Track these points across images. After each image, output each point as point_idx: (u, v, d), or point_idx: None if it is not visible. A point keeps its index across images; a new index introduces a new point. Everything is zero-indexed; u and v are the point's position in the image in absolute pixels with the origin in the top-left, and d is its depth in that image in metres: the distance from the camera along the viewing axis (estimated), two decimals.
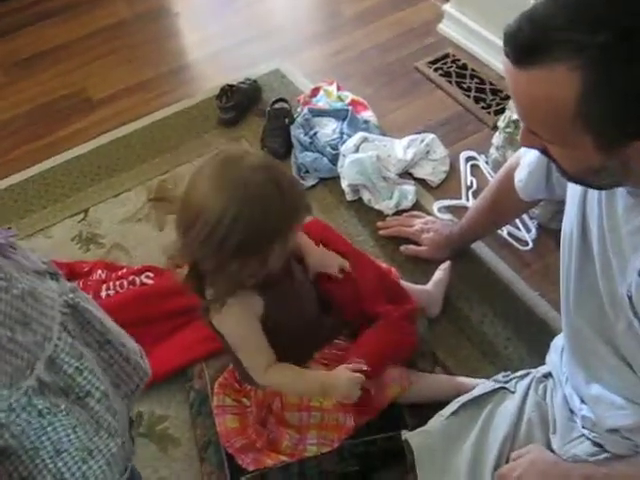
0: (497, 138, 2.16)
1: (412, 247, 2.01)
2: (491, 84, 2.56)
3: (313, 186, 2.26)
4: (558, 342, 1.51)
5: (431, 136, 2.31)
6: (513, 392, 1.48)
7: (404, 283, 1.79)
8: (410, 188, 2.19)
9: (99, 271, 2.03)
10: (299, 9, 3.17)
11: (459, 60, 2.68)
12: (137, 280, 2.00)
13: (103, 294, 1.94)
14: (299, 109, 2.44)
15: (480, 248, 2.03)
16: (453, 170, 2.28)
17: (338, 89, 2.54)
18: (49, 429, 0.92)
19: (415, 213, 2.12)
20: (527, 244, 2.05)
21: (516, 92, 0.97)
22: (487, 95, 2.53)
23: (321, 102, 2.48)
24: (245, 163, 1.23)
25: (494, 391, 1.49)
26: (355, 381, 1.42)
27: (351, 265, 1.64)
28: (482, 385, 1.53)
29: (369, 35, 2.86)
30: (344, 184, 2.20)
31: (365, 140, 2.25)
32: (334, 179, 2.25)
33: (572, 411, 1.39)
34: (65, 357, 0.92)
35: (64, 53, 2.90)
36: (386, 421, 1.57)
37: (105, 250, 2.15)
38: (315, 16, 3.12)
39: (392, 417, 1.58)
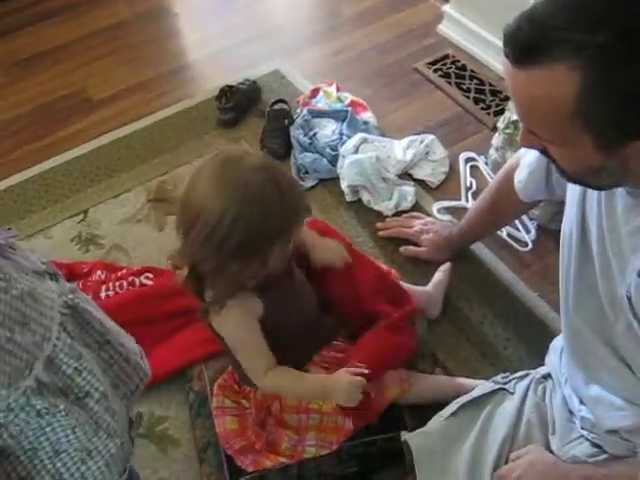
0: (496, 139, 2.16)
1: (412, 248, 2.01)
2: (491, 85, 2.56)
3: (312, 187, 2.26)
4: (557, 343, 1.51)
5: (430, 137, 2.31)
6: (512, 393, 1.48)
7: (404, 284, 1.79)
8: (409, 189, 2.19)
9: (98, 272, 2.02)
10: (299, 9, 3.18)
11: (459, 61, 2.68)
12: (136, 281, 2.00)
13: (102, 295, 1.94)
14: (298, 110, 2.45)
15: (480, 249, 2.03)
16: (452, 171, 2.28)
17: (337, 90, 2.54)
18: (48, 429, 0.92)
19: (414, 214, 2.12)
20: (527, 245, 2.05)
21: (515, 92, 0.97)
22: (487, 96, 2.53)
23: (320, 103, 2.48)
24: (245, 164, 1.23)
25: (493, 392, 1.49)
26: (356, 385, 1.41)
27: (351, 264, 1.64)
28: (481, 386, 1.53)
29: (369, 36, 2.86)
30: (343, 185, 2.20)
31: (364, 141, 2.25)
32: (333, 180, 2.25)
33: (571, 412, 1.39)
34: (64, 357, 0.92)
35: (64, 53, 2.90)
36: (385, 422, 1.56)
37: (105, 251, 2.15)
38: (315, 16, 3.12)
39: (391, 418, 1.57)
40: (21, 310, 0.87)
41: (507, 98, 2.37)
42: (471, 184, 2.23)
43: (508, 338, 1.83)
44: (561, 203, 1.32)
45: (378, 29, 2.89)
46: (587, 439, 1.34)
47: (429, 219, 2.07)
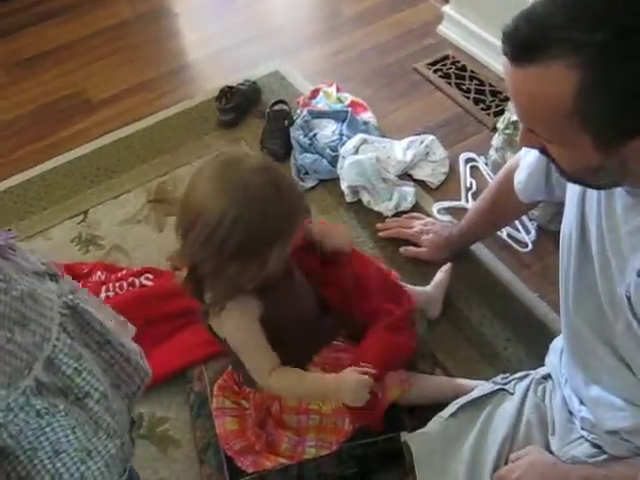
0: (496, 140, 2.16)
1: (411, 248, 2.01)
2: (490, 86, 2.56)
3: (312, 187, 2.26)
4: (557, 343, 1.51)
5: (430, 137, 2.31)
6: (512, 394, 1.48)
7: (404, 285, 1.79)
8: (409, 189, 2.19)
9: (98, 272, 2.03)
10: (298, 10, 3.18)
11: (458, 62, 2.68)
12: (136, 282, 2.00)
13: (102, 296, 1.94)
14: (298, 111, 2.45)
15: (479, 249, 2.03)
16: (452, 171, 2.28)
17: (337, 90, 2.54)
18: (47, 429, 0.92)
19: (414, 214, 2.12)
20: (526, 246, 2.05)
21: (514, 90, 0.97)
22: (486, 97, 2.53)
23: (320, 104, 2.48)
24: (245, 165, 1.23)
25: (493, 393, 1.49)
26: (363, 384, 1.41)
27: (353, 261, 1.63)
28: (481, 387, 1.53)
29: (369, 36, 2.87)
30: (343, 185, 2.20)
31: (364, 142, 2.25)
32: (333, 181, 2.25)
33: (571, 412, 1.39)
34: (64, 358, 0.93)
35: (66, 53, 2.91)
36: (385, 423, 1.56)
37: (104, 252, 2.15)
38: (314, 17, 3.12)
39: (391, 419, 1.57)
40: (21, 311, 0.87)
41: (507, 99, 2.37)
42: (471, 185, 2.23)
43: (508, 338, 1.84)
44: (561, 204, 1.32)
45: (378, 29, 2.89)
46: (587, 440, 1.34)
47: (429, 220, 2.07)
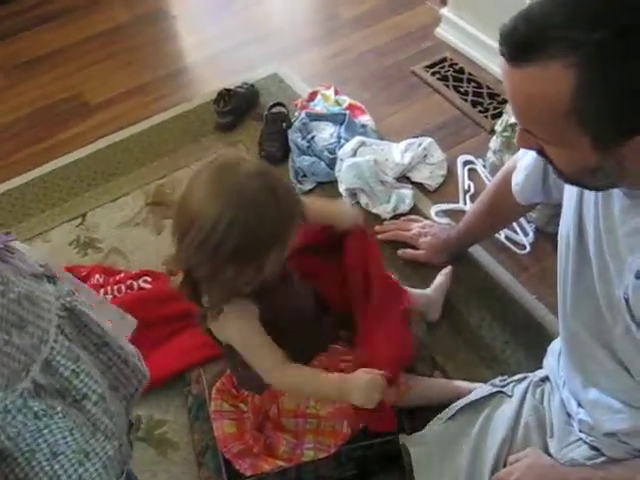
0: (494, 142, 2.16)
1: (410, 251, 2.01)
2: (488, 88, 2.56)
3: (310, 190, 2.26)
4: (555, 346, 1.51)
5: (428, 140, 2.31)
6: (510, 396, 1.48)
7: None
8: (408, 192, 2.19)
9: (97, 275, 2.02)
10: (296, 13, 3.18)
11: (456, 64, 2.69)
12: (135, 284, 2.00)
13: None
14: (297, 113, 2.45)
15: (478, 252, 2.03)
16: (450, 174, 2.28)
17: (336, 93, 2.54)
18: (45, 431, 0.92)
19: (412, 217, 2.12)
20: (525, 248, 2.05)
21: (511, 90, 0.97)
22: (484, 99, 2.53)
23: (319, 106, 2.48)
24: (241, 169, 1.23)
25: (491, 395, 1.49)
26: (376, 384, 1.36)
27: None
28: (479, 389, 1.53)
29: (367, 39, 2.87)
30: (341, 188, 2.20)
31: (362, 144, 2.26)
32: (331, 183, 2.25)
33: (569, 415, 1.39)
34: (61, 360, 0.93)
35: (62, 57, 2.90)
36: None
37: (103, 254, 2.15)
38: (312, 19, 3.12)
39: None
40: (18, 313, 0.87)
41: (505, 101, 2.37)
42: (469, 187, 2.24)
43: (506, 341, 1.84)
44: (558, 206, 1.32)
45: (376, 32, 2.89)
46: (585, 442, 1.34)
47: (427, 222, 2.08)
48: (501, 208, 1.76)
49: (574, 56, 0.87)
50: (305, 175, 2.27)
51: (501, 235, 2.07)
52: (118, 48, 2.93)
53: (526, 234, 2.07)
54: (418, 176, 2.26)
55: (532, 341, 1.80)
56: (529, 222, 2.08)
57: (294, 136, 2.34)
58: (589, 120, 0.91)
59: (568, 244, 1.25)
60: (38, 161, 2.46)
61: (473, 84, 2.60)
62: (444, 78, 2.63)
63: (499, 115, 2.27)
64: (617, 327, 1.16)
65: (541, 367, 1.55)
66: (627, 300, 1.10)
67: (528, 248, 2.05)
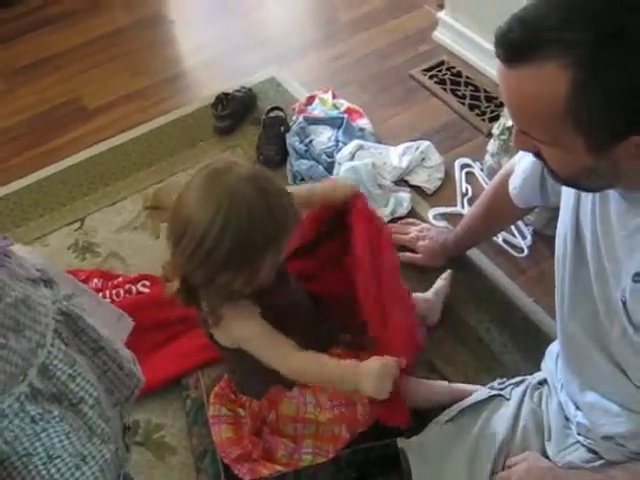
0: (492, 145, 2.16)
1: (407, 254, 2.01)
2: (486, 91, 2.57)
3: None
4: (553, 349, 1.51)
5: (426, 143, 2.31)
6: (508, 399, 1.48)
7: None
8: (405, 195, 2.19)
9: (95, 280, 2.02)
10: (294, 16, 3.18)
11: (454, 67, 2.69)
12: (133, 289, 2.00)
13: None
14: (294, 117, 2.45)
15: (476, 255, 2.03)
16: (448, 177, 2.29)
17: (333, 97, 2.54)
18: (42, 435, 0.92)
19: (410, 220, 2.12)
20: (522, 251, 2.05)
21: (507, 92, 0.97)
22: (482, 102, 2.53)
23: (316, 110, 2.49)
24: (232, 174, 1.23)
25: (490, 398, 1.50)
26: (389, 370, 1.33)
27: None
28: (478, 392, 1.53)
29: (364, 42, 2.87)
30: None
31: (360, 148, 2.26)
32: None
33: (567, 418, 1.39)
34: (58, 364, 0.93)
35: (62, 61, 2.90)
36: (382, 429, 1.56)
37: (101, 259, 2.15)
38: (310, 23, 3.13)
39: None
40: (15, 317, 0.87)
41: (502, 104, 2.37)
42: (467, 190, 2.24)
43: (504, 344, 1.84)
44: (556, 209, 1.33)
45: (374, 36, 2.90)
46: (583, 445, 1.34)
47: (425, 225, 2.08)
48: (499, 211, 1.76)
49: (569, 57, 0.87)
50: (303, 179, 2.27)
51: (499, 238, 2.07)
52: (117, 52, 2.93)
53: (524, 237, 2.07)
54: (416, 179, 2.26)
55: (530, 344, 1.80)
56: (527, 225, 2.08)
57: (292, 140, 2.34)
58: (584, 120, 0.91)
59: (565, 247, 1.26)
60: (37, 165, 2.46)
61: (470, 87, 2.60)
62: (442, 81, 2.64)
63: (496, 118, 2.27)
64: (614, 330, 1.17)
65: (539, 370, 1.55)
66: (624, 303, 1.10)
67: (526, 251, 2.05)
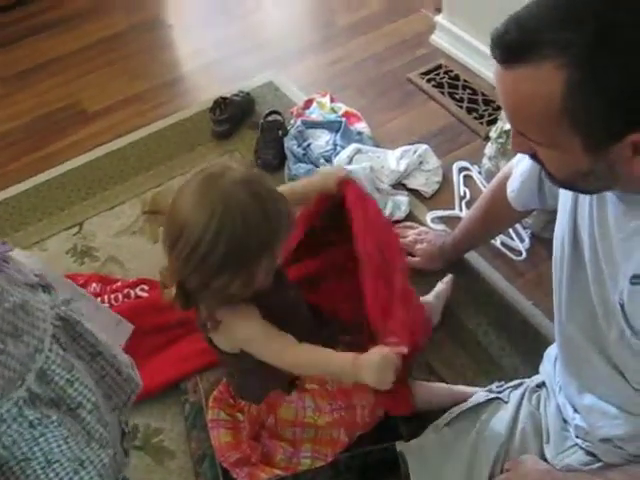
0: (490, 148, 2.17)
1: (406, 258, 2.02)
2: (483, 95, 2.57)
3: None
4: (551, 352, 1.51)
5: (424, 147, 2.32)
6: (507, 402, 1.48)
7: None
8: (403, 199, 2.20)
9: (94, 284, 2.02)
10: (292, 21, 3.18)
11: (451, 71, 2.69)
12: (132, 293, 2.00)
13: None
14: (292, 121, 2.45)
15: (474, 258, 2.04)
16: (446, 181, 2.29)
17: (331, 101, 2.55)
18: (41, 440, 0.93)
19: (408, 224, 2.12)
20: (520, 254, 2.05)
21: (503, 92, 0.97)
22: (479, 106, 2.54)
23: (314, 114, 2.49)
24: (226, 178, 1.23)
25: (488, 401, 1.50)
26: (390, 360, 1.30)
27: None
28: (476, 395, 1.53)
29: (362, 46, 2.87)
30: None
31: (358, 151, 2.26)
32: None
33: (565, 421, 1.39)
34: (56, 369, 0.93)
35: (60, 65, 2.91)
36: (381, 432, 1.56)
37: (100, 263, 2.15)
38: (308, 27, 3.13)
39: (387, 428, 1.57)
40: (13, 323, 0.87)
41: (500, 108, 2.37)
42: (465, 193, 2.24)
43: (502, 347, 1.84)
44: (554, 212, 1.32)
45: (371, 40, 2.90)
46: (581, 447, 1.34)
47: (423, 229, 2.08)
48: (497, 214, 1.77)
49: (565, 57, 0.87)
50: None
51: (497, 241, 2.07)
52: (115, 56, 2.93)
53: (522, 240, 2.07)
54: (414, 183, 2.27)
55: (528, 347, 1.80)
56: (525, 228, 2.09)
57: (290, 144, 2.34)
58: (580, 120, 0.91)
59: (563, 250, 1.26)
60: (35, 170, 2.46)
61: (468, 91, 2.60)
62: (439, 85, 2.64)
63: (494, 122, 2.28)
64: (612, 332, 1.17)
65: (537, 373, 1.55)
66: (622, 305, 1.10)
67: (524, 254, 2.05)
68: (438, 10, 2.84)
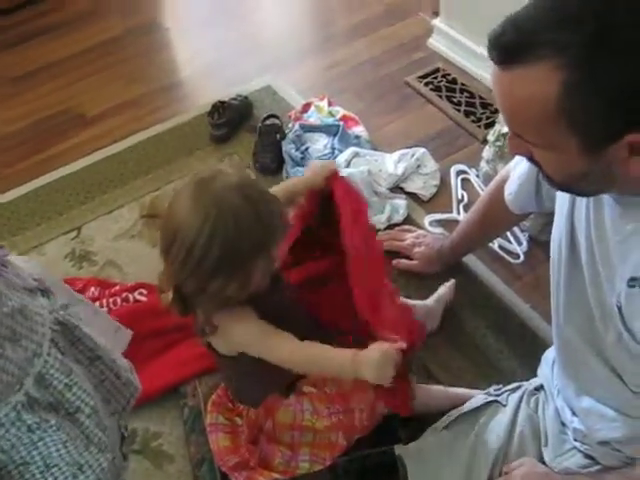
0: (487, 152, 2.17)
1: (404, 261, 2.02)
2: (481, 98, 2.58)
3: None
4: (550, 355, 1.52)
5: (422, 150, 2.32)
6: (505, 405, 1.48)
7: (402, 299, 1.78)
8: (401, 202, 2.20)
9: (92, 288, 2.02)
10: (289, 24, 3.19)
11: (449, 74, 2.70)
12: (130, 297, 2.00)
13: None
14: (290, 125, 2.46)
15: (472, 261, 2.04)
16: (444, 184, 2.29)
17: (329, 104, 2.55)
18: (39, 444, 0.93)
19: (406, 227, 2.12)
20: (518, 257, 2.05)
21: (500, 94, 0.97)
22: (477, 109, 2.54)
23: (312, 118, 2.49)
24: (219, 183, 1.24)
25: (486, 404, 1.50)
26: (389, 356, 1.30)
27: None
28: (474, 399, 1.53)
29: (360, 50, 2.88)
30: None
31: (356, 155, 2.27)
32: None
33: (563, 424, 1.39)
34: (55, 373, 0.93)
35: (59, 69, 2.91)
36: (379, 435, 1.56)
37: (98, 267, 2.15)
38: (305, 31, 3.14)
39: (385, 431, 1.57)
40: (11, 327, 0.87)
41: (497, 111, 2.38)
42: (462, 197, 2.24)
43: (501, 350, 1.84)
44: (552, 215, 1.32)
45: (369, 44, 2.91)
46: (580, 450, 1.34)
47: (421, 232, 2.08)
48: (494, 217, 1.77)
49: (562, 57, 0.87)
50: None
51: (495, 244, 2.07)
52: (112, 60, 2.94)
53: (520, 243, 2.08)
54: (412, 186, 2.27)
55: (526, 350, 1.80)
56: (523, 231, 2.09)
57: (288, 147, 2.35)
58: (579, 120, 0.91)
59: (560, 252, 1.26)
60: (33, 174, 2.46)
61: (466, 94, 2.61)
62: (437, 88, 2.65)
63: (492, 125, 2.28)
64: (609, 334, 1.17)
65: (535, 376, 1.55)
66: (619, 308, 1.10)
67: (522, 257, 2.05)
68: (435, 14, 2.84)
